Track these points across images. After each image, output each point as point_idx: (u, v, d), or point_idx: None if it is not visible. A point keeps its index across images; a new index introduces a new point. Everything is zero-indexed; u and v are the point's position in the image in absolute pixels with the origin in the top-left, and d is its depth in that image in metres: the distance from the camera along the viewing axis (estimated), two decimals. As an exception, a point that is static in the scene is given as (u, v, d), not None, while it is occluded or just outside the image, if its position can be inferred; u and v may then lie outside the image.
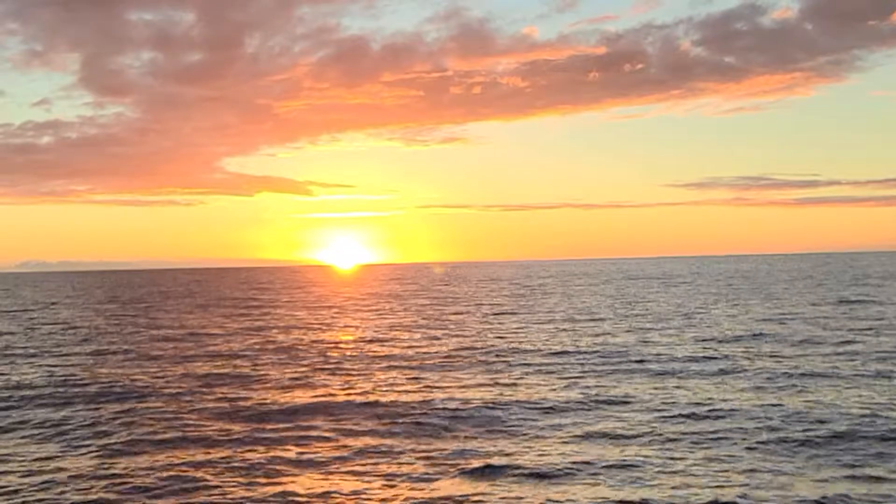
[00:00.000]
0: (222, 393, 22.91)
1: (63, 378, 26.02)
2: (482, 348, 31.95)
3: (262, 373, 26.72)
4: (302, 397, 22.01)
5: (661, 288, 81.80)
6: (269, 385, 24.24)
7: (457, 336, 37.17)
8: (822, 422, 17.41)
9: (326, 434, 17.68)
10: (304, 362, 29.30)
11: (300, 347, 34.16)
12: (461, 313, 52.80)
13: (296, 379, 25.28)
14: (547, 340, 34.38)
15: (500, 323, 44.15)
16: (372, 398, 21.54)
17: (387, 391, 22.69)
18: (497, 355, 29.74)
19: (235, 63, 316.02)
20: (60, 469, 15.20)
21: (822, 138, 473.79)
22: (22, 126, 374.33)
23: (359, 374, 26.05)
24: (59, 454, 16.40)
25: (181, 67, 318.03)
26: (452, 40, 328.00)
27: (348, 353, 31.82)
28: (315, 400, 21.58)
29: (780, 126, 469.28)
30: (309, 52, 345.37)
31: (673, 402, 20.01)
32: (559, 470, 14.49)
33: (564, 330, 38.96)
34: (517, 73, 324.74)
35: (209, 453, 16.18)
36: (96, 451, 16.54)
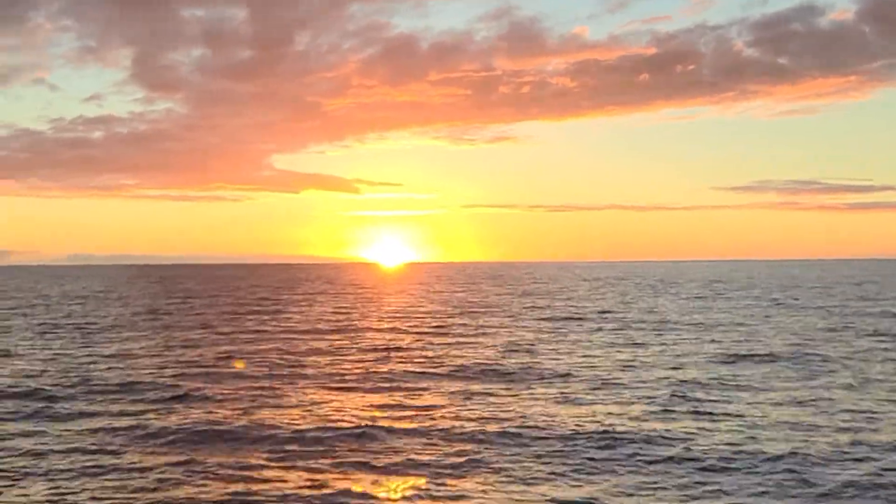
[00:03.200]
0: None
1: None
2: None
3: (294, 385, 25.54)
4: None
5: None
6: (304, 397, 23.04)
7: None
8: None
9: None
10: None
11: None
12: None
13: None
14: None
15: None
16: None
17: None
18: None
19: (285, 60, 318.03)
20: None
21: (876, 143, 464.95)
22: (73, 121, 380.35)
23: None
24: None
25: (231, 64, 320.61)
26: (502, 39, 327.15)
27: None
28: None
29: (834, 130, 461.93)
30: (358, 49, 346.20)
31: None
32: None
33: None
34: (566, 74, 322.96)
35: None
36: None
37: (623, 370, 26.82)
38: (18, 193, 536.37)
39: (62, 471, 14.80)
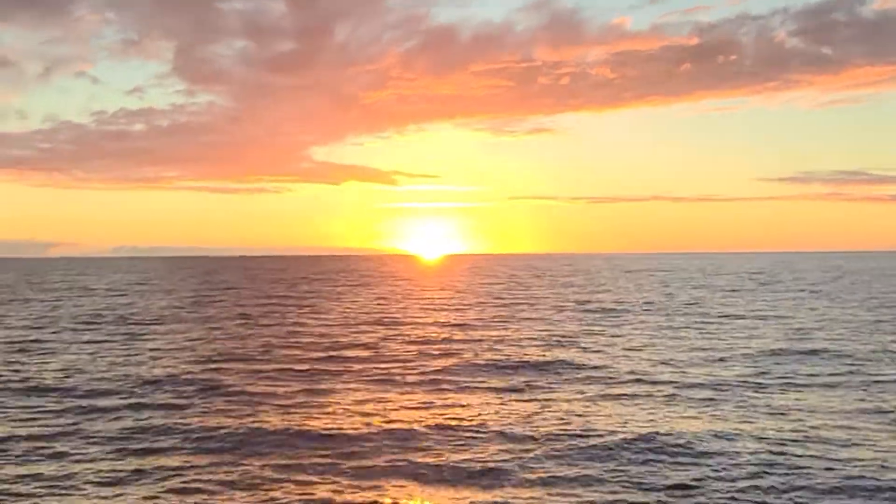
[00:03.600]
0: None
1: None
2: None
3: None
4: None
5: None
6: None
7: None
8: None
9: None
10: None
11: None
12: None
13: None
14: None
15: None
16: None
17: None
18: None
19: (325, 52, 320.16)
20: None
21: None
22: (115, 114, 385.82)
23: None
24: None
25: (271, 56, 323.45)
26: (542, 30, 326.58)
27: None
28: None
29: (880, 120, 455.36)
30: (398, 41, 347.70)
31: None
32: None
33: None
34: (607, 64, 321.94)
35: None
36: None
37: (666, 365, 26.42)
38: (63, 186, 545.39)
39: (105, 472, 14.76)
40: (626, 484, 13.85)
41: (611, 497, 13.21)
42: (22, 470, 14.83)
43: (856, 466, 14.61)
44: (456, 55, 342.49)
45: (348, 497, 13.30)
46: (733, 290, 71.00)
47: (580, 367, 26.22)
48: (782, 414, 19.02)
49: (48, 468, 14.94)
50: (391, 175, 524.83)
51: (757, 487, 13.56)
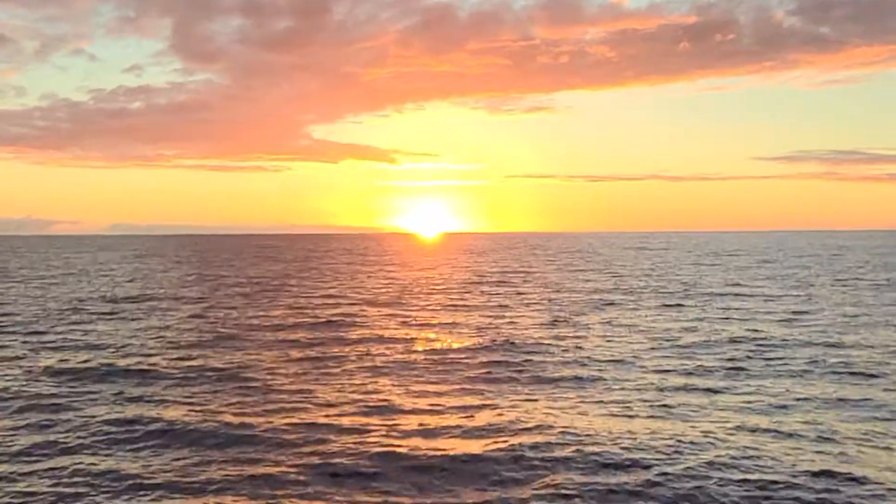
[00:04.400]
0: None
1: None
2: None
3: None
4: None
5: None
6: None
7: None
8: None
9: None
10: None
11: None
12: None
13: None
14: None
15: None
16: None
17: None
18: None
19: (323, 30, 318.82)
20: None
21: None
22: (113, 91, 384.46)
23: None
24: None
25: (269, 34, 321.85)
26: (541, 8, 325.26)
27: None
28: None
29: (877, 99, 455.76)
30: (396, 19, 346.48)
31: None
32: None
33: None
34: (605, 43, 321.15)
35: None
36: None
37: (665, 348, 26.13)
38: (61, 163, 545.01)
39: (96, 465, 14.47)
40: (622, 471, 13.53)
41: (604, 488, 12.88)
42: (14, 466, 14.48)
43: (860, 459, 14.36)
44: (454, 33, 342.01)
45: (341, 493, 13.01)
46: (730, 269, 70.83)
47: (578, 349, 25.97)
48: (783, 404, 18.68)
49: (37, 463, 14.58)
50: (389, 153, 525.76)
51: (759, 480, 13.26)
